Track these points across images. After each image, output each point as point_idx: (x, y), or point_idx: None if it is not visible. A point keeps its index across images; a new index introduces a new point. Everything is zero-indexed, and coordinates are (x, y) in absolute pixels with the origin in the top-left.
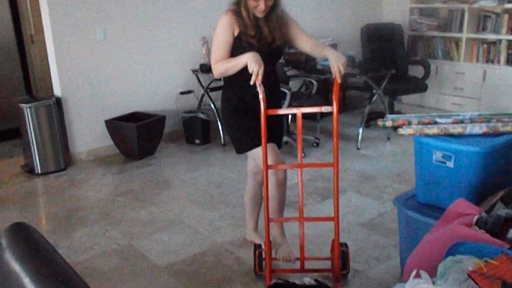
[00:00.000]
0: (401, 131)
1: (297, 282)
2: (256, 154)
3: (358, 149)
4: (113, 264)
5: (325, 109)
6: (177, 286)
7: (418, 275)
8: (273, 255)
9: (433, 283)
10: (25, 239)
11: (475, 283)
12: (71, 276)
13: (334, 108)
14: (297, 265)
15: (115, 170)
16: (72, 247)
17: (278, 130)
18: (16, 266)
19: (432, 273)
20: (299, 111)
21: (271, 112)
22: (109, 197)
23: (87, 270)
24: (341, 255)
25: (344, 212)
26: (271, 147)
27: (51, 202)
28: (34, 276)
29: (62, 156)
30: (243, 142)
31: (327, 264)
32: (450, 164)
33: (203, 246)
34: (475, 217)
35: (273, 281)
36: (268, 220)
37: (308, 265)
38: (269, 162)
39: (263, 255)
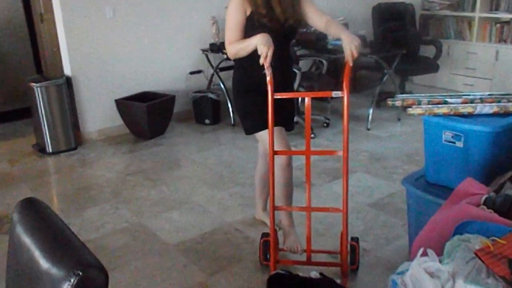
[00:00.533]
0: (410, 111)
1: (302, 275)
2: (262, 137)
3: (368, 129)
4: (124, 242)
5: (335, 94)
6: (186, 264)
7: (425, 254)
8: (280, 245)
9: (440, 261)
10: (36, 213)
11: (482, 261)
12: (81, 250)
13: (344, 94)
14: (304, 257)
15: (126, 150)
16: (83, 225)
17: (289, 112)
18: (27, 239)
19: (440, 252)
20: (308, 96)
21: (279, 95)
22: (119, 176)
23: (98, 248)
24: (351, 250)
25: (354, 192)
26: (278, 130)
27: (63, 181)
28: (44, 249)
29: (72, 136)
30: (251, 124)
31: (337, 258)
32: (460, 144)
33: (213, 225)
34: (484, 197)
35: (275, 272)
36: (274, 208)
37: (315, 257)
38: (275, 147)
39: (269, 245)
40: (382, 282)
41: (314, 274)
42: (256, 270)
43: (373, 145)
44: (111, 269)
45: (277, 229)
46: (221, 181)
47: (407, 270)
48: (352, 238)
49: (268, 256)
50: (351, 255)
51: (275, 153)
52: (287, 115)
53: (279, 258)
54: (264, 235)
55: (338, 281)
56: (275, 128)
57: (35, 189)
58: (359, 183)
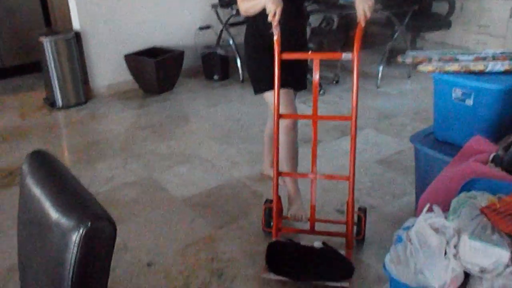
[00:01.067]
0: (420, 67)
1: (304, 243)
2: (268, 98)
3: (377, 87)
4: (133, 195)
5: (345, 56)
6: (194, 217)
7: (431, 210)
8: (284, 213)
9: (446, 218)
10: (46, 165)
11: (487, 218)
12: (90, 202)
13: (355, 57)
14: (308, 226)
15: (135, 105)
16: (94, 179)
17: (301, 71)
18: (36, 191)
19: (446, 208)
20: (316, 57)
21: (286, 56)
22: (128, 131)
23: (108, 200)
24: (357, 220)
25: (362, 149)
26: (285, 93)
27: (73, 135)
28: (54, 201)
29: (82, 90)
30: (258, 84)
31: (342, 228)
32: (469, 102)
33: (220, 180)
34: (492, 155)
35: (275, 239)
36: (278, 174)
37: (319, 227)
38: (281, 110)
39: (271, 212)
40: (387, 237)
41: (317, 243)
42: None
43: (382, 103)
44: (120, 221)
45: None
46: (229, 137)
47: (412, 225)
48: (359, 208)
49: (270, 223)
50: (357, 225)
51: (280, 116)
52: (298, 75)
53: (281, 225)
54: (267, 201)
55: (342, 252)
56: (282, 90)
57: (45, 142)
58: (367, 140)
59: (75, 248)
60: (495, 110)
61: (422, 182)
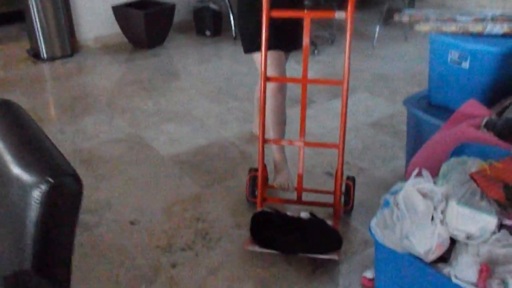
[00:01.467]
0: (417, 27)
1: (290, 214)
2: (257, 59)
3: (373, 48)
4: (119, 152)
5: (338, 15)
6: (180, 175)
7: (420, 174)
8: (270, 182)
9: (435, 183)
10: (11, 116)
11: (477, 184)
12: (55, 157)
13: (348, 17)
14: (294, 196)
15: (123, 59)
16: (78, 134)
17: (293, 32)
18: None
19: (435, 173)
20: (307, 16)
21: (275, 14)
22: (116, 86)
23: (93, 157)
24: (345, 190)
25: (354, 111)
26: (274, 55)
27: (58, 88)
28: (16, 154)
29: (68, 42)
30: (248, 42)
31: (330, 197)
32: (466, 65)
33: (209, 138)
34: (485, 119)
35: (260, 209)
36: (263, 141)
37: (307, 197)
38: (268, 72)
39: (256, 180)
40: (375, 201)
41: (304, 214)
42: None
43: (377, 64)
44: (104, 178)
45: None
46: (219, 95)
47: (400, 190)
48: (348, 177)
49: (255, 193)
50: (345, 195)
51: (268, 79)
52: (291, 35)
53: (267, 195)
54: (252, 170)
55: (329, 222)
56: (271, 51)
57: (29, 95)
58: (360, 102)
59: (37, 206)
60: (491, 74)
61: (413, 146)
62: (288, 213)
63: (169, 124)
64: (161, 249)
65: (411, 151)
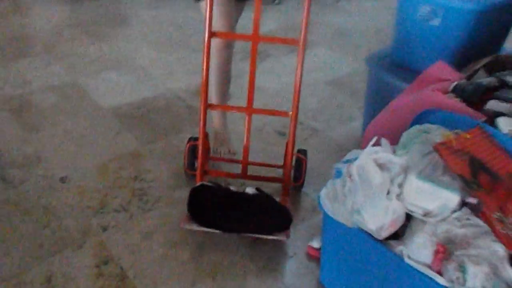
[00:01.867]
0: None
1: (234, 189)
2: (202, 10)
3: (337, 1)
4: (53, 101)
5: None
6: (120, 129)
7: (378, 144)
8: (211, 153)
9: (394, 153)
10: None
11: (440, 156)
12: None
13: None
14: (239, 169)
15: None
16: (9, 79)
17: None
18: None
19: (395, 142)
20: None
21: None
22: (55, 28)
23: (23, 105)
24: (296, 164)
25: (311, 67)
26: (222, 6)
27: None
28: None
29: None
30: None
31: (279, 172)
32: (436, 21)
33: (154, 90)
34: (453, 84)
35: (200, 183)
36: (206, 106)
37: (253, 171)
38: (215, 26)
39: (196, 151)
40: (328, 165)
41: (250, 189)
42: None
43: (340, 19)
44: (34, 130)
45: None
46: (169, 44)
47: (355, 159)
48: (299, 150)
49: (194, 165)
50: (295, 170)
51: (212, 34)
52: None
53: (208, 168)
54: (191, 139)
55: (277, 199)
56: (219, 2)
57: None
58: (319, 59)
59: None
60: (464, 33)
61: (372, 108)
62: (232, 188)
63: (111, 73)
64: (92, 210)
65: (370, 114)
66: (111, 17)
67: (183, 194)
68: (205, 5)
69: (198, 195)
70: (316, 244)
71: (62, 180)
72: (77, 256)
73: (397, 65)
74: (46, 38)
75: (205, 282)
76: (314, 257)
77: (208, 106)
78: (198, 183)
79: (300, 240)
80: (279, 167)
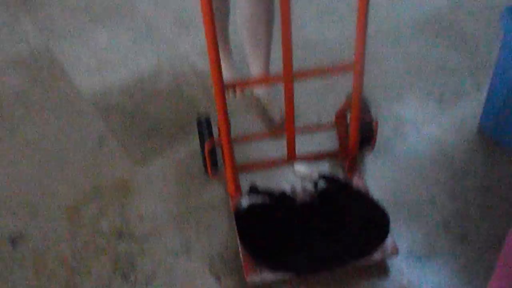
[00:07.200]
0: None
1: (287, 186)
2: None
3: None
4: (16, 86)
5: None
6: (103, 136)
7: None
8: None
9: None
10: None
11: None
12: None
13: None
14: (283, 151)
15: None
16: None
17: None
18: None
19: None
20: None
21: None
22: None
23: None
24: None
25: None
26: None
27: None
28: None
29: None
30: None
31: (328, 143)
32: None
33: (158, 58)
34: None
35: (245, 201)
36: (222, 87)
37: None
38: None
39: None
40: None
41: (300, 167)
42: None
43: None
44: None
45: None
46: None
47: None
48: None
49: (217, 167)
50: (363, 134)
51: None
52: None
53: (238, 163)
54: (208, 139)
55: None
56: None
57: None
58: None
59: None
60: None
61: (505, 93)
62: (286, 188)
63: (98, 30)
64: None
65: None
66: None
67: (197, 263)
68: None
69: (250, 224)
70: None
71: (13, 242)
72: None
73: None
74: None
75: None
76: None
77: (225, 86)
78: (240, 201)
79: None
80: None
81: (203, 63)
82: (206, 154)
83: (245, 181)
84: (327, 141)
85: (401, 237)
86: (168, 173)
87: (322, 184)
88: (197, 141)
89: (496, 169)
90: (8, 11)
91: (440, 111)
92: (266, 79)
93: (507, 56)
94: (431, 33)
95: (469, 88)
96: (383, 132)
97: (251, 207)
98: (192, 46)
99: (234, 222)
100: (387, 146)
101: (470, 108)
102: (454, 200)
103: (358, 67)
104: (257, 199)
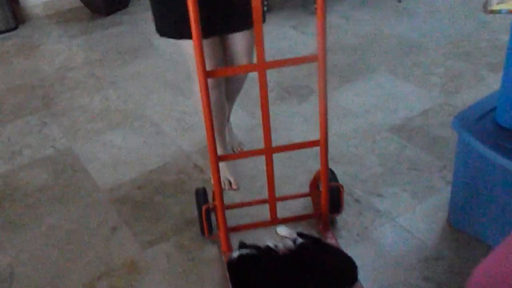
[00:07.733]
0: (495, 6)
1: (270, 243)
2: (183, 49)
3: (399, 1)
4: (42, 180)
5: None
6: (117, 224)
7: None
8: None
9: None
10: None
11: None
12: None
13: None
14: (265, 214)
15: (76, 31)
16: None
17: (233, 9)
18: None
19: None
20: None
21: None
22: (59, 72)
23: (9, 189)
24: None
25: (370, 105)
26: (211, 43)
27: None
28: None
29: (9, 10)
30: (161, 23)
31: (303, 208)
32: None
33: (163, 155)
34: None
35: (235, 253)
36: (216, 159)
37: (282, 212)
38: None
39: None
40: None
41: (282, 230)
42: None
43: (404, 27)
44: (18, 228)
45: None
46: (189, 82)
47: None
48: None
49: (212, 229)
50: (332, 199)
51: (208, 74)
52: (231, 11)
53: (229, 225)
54: (204, 204)
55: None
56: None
57: None
58: (379, 90)
59: None
60: None
61: (463, 190)
62: (269, 244)
63: (114, 133)
64: None
65: (460, 196)
66: (123, 49)
67: None
68: (187, 44)
69: (241, 270)
70: None
71: None
72: None
73: (505, 131)
74: (46, 87)
75: None
76: None
77: (219, 158)
78: (234, 255)
79: None
80: (307, 195)
81: (202, 161)
82: (203, 217)
83: (235, 240)
84: (302, 204)
85: None
86: (172, 255)
87: (299, 240)
88: (197, 229)
89: (465, 254)
90: (37, 116)
91: (413, 205)
92: (251, 152)
93: (462, 158)
94: (405, 136)
95: (439, 184)
96: (362, 222)
97: (241, 256)
98: (193, 146)
99: (227, 273)
100: (365, 234)
101: (440, 201)
102: (427, 282)
103: (323, 142)
104: (247, 252)
